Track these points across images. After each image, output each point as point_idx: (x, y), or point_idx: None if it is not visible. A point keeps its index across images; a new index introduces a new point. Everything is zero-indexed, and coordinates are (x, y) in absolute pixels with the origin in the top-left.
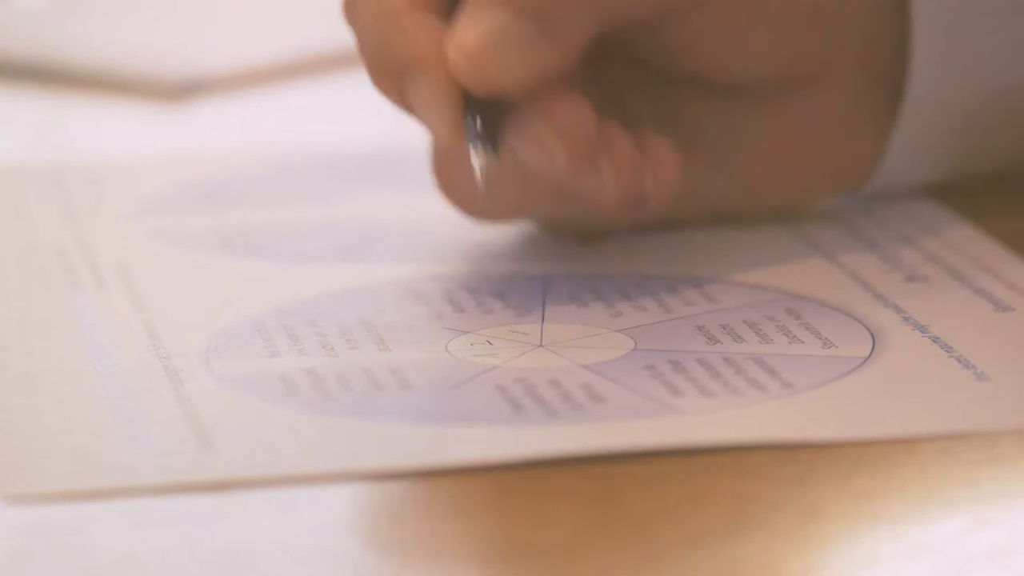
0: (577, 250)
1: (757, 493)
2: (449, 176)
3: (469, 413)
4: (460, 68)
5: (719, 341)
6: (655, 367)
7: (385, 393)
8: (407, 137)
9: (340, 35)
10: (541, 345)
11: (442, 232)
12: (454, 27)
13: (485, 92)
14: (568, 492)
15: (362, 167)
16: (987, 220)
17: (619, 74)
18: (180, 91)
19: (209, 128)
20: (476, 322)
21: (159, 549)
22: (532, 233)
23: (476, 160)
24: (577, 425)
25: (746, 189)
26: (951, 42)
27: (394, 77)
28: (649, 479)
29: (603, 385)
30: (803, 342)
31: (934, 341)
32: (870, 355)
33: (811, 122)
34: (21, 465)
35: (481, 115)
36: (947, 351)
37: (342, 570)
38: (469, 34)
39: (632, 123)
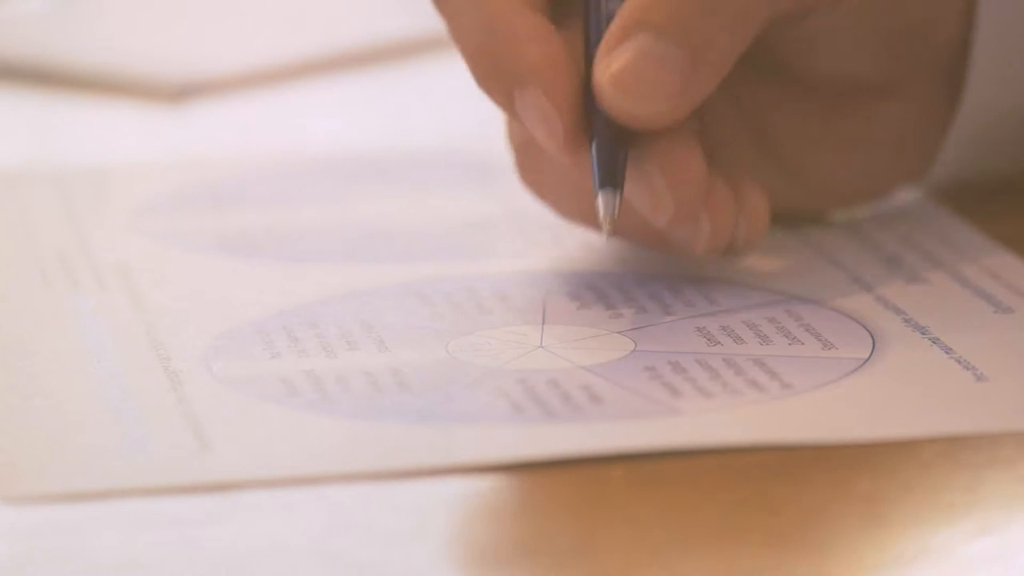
0: (578, 251)
1: (757, 495)
2: (535, 171)
3: (469, 414)
4: (607, 97)
5: (719, 342)
6: (655, 368)
7: (385, 394)
8: (407, 138)
9: (339, 37)
10: (541, 346)
11: (441, 234)
12: (599, 50)
13: (632, 124)
14: (567, 493)
15: (362, 168)
16: (988, 222)
17: None
18: (180, 93)
19: (209, 130)
20: (476, 323)
21: (159, 551)
22: (532, 235)
23: (601, 201)
24: (577, 426)
25: (812, 189)
26: (1009, 51)
27: (503, 84)
28: (649, 480)
29: (603, 386)
30: (803, 343)
31: (934, 342)
32: (870, 356)
33: (882, 128)
34: (21, 467)
35: (605, 145)
36: (947, 352)
37: (342, 571)
38: (618, 61)
39: (706, 120)
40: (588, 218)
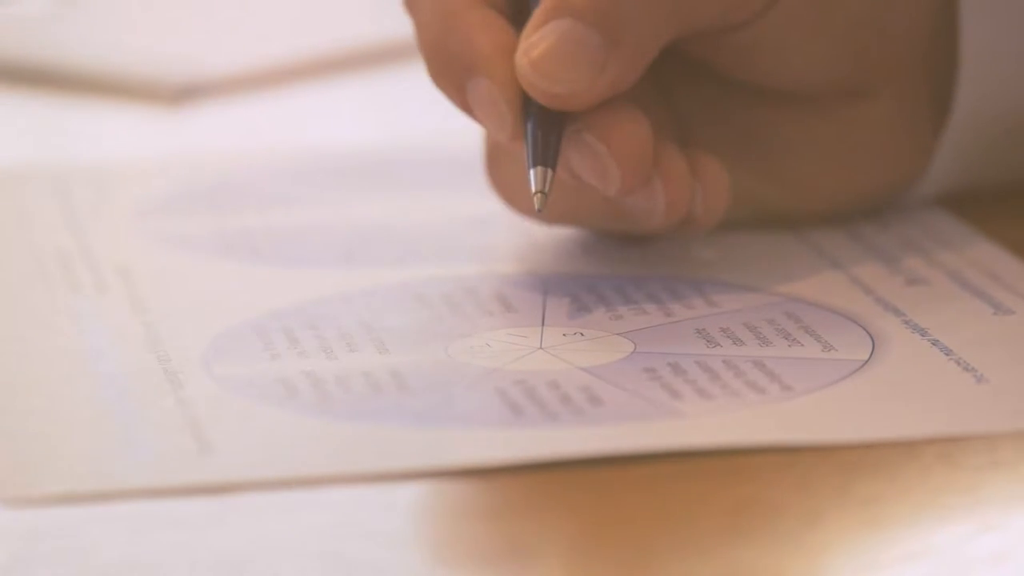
0: (578, 253)
1: (757, 497)
2: (500, 172)
3: (468, 416)
4: (526, 77)
5: (719, 344)
6: (655, 370)
7: (384, 396)
8: (407, 140)
9: (339, 38)
10: (541, 348)
11: (441, 235)
12: (522, 34)
13: (551, 103)
14: (567, 495)
15: (361, 170)
16: (987, 223)
17: (675, 71)
18: (180, 94)
19: (209, 131)
20: (476, 324)
21: (158, 553)
22: (532, 236)
23: (532, 177)
24: (576, 428)
25: (795, 194)
26: (997, 60)
27: (454, 76)
28: (648, 482)
29: (602, 388)
30: (803, 345)
31: (934, 344)
32: (870, 358)
33: (862, 131)
34: (20, 468)
35: (539, 126)
36: (947, 354)
37: (341, 572)
38: (537, 43)
39: (683, 122)
40: (552, 219)
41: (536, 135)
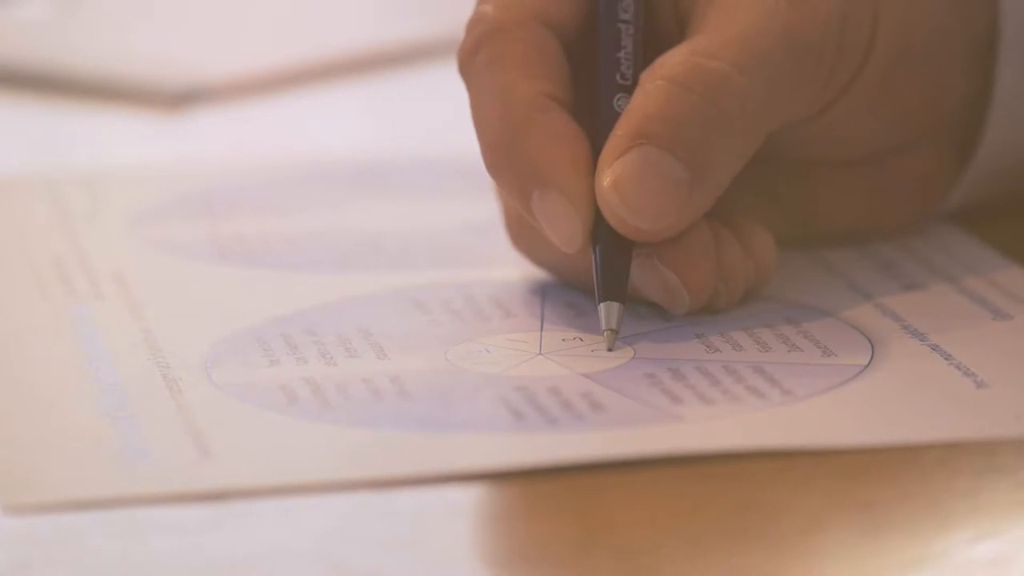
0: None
1: (757, 501)
2: (523, 234)
3: (469, 421)
4: (610, 207)
5: (718, 349)
6: (655, 375)
7: (384, 402)
8: (405, 145)
9: (339, 44)
10: (540, 353)
11: (439, 240)
12: (602, 155)
13: (631, 235)
14: (568, 500)
15: (360, 176)
16: (985, 228)
17: None
18: (179, 100)
19: (207, 137)
20: (474, 330)
21: (159, 558)
22: None
23: (602, 314)
24: (577, 433)
25: (814, 232)
26: (1020, 113)
27: (521, 181)
28: (649, 487)
29: (603, 393)
30: (802, 350)
31: (933, 349)
32: (869, 363)
33: (901, 180)
34: (20, 474)
35: (608, 254)
36: (946, 359)
37: None
38: (623, 173)
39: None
40: (588, 286)
41: (607, 266)
